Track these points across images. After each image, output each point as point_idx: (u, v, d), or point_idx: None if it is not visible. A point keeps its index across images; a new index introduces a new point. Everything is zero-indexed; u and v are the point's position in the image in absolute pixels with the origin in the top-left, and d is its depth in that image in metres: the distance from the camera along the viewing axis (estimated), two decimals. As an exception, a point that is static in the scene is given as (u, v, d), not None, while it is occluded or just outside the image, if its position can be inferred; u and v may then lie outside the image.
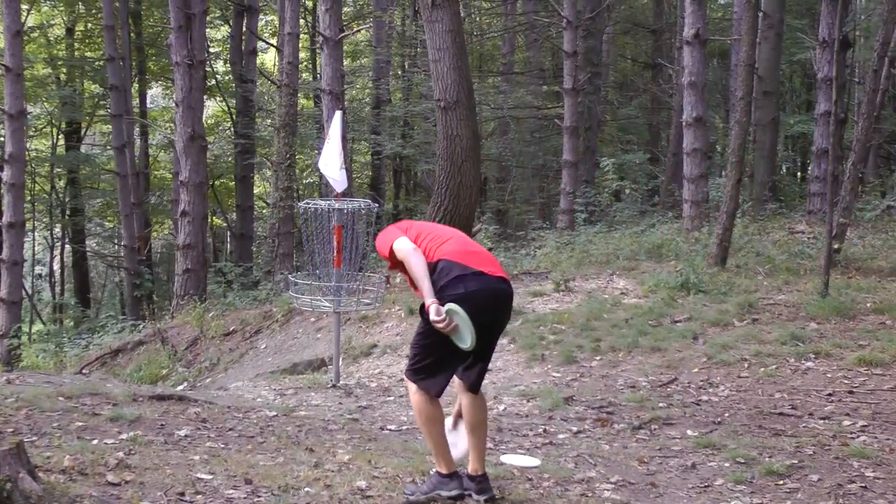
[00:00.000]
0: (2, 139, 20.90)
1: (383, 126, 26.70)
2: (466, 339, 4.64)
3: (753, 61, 13.30)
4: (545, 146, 27.25)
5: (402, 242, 4.85)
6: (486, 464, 5.07)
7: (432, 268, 4.78)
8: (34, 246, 32.62)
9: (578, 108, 20.90)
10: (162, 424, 6.06)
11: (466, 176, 12.44)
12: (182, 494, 4.60)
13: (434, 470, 4.93)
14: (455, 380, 5.00)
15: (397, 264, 4.92)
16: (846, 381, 7.79)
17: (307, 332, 12.01)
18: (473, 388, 4.97)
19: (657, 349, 9.05)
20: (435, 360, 4.79)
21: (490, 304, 4.77)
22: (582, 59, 22.02)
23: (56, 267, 33.53)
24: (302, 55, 26.49)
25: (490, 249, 15.15)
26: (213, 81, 27.87)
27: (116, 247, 31.05)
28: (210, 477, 4.94)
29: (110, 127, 25.67)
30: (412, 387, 4.86)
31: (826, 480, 5.53)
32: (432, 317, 4.61)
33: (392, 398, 8.04)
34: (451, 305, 4.63)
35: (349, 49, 29.51)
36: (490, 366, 8.99)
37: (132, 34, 26.78)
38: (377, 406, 7.64)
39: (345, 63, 25.00)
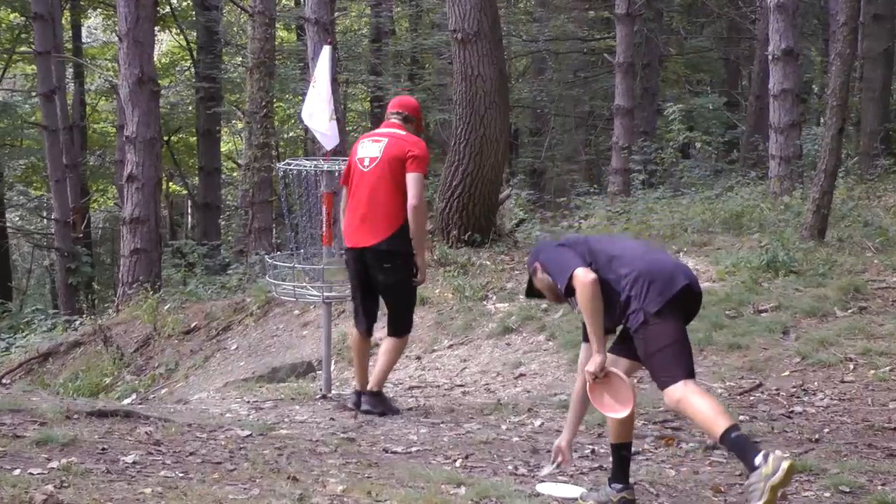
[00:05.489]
0: None
1: (385, 65, 26.66)
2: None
3: (860, -24, 13.18)
4: (592, 89, 27.18)
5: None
6: (519, 493, 5.60)
7: None
8: (-60, 221, 32.78)
9: (635, 40, 20.79)
10: (103, 449, 6.07)
11: (491, 127, 12.42)
12: (130, 537, 4.62)
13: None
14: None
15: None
16: (980, 387, 7.76)
17: (290, 328, 12.04)
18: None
19: (736, 346, 9.02)
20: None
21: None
22: (639, -25, 21.87)
23: (-31, 248, 33.71)
24: (280, -26, 26.50)
25: (522, 221, 15.12)
26: (168, 9, 27.86)
27: (45, 221, 31.16)
28: (166, 515, 4.95)
29: (34, 68, 25.69)
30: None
31: (955, 514, 5.51)
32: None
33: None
34: None
35: (340, -34, 29.45)
36: (524, 370, 9.14)
37: (62, -51, 26.77)
38: (379, 422, 7.64)
39: (335, -16, 24.94)
